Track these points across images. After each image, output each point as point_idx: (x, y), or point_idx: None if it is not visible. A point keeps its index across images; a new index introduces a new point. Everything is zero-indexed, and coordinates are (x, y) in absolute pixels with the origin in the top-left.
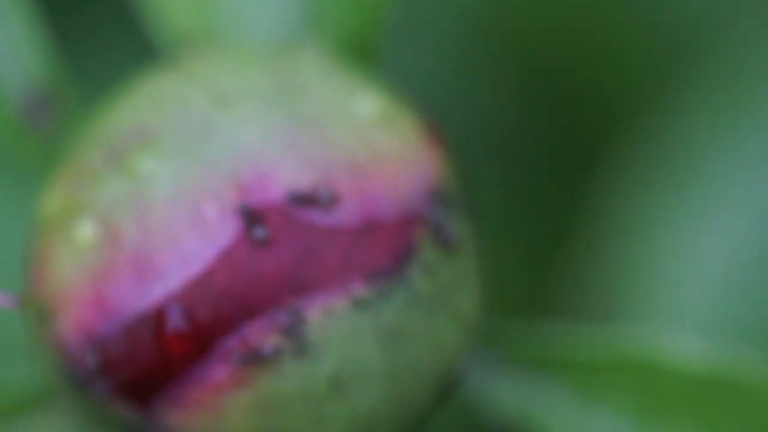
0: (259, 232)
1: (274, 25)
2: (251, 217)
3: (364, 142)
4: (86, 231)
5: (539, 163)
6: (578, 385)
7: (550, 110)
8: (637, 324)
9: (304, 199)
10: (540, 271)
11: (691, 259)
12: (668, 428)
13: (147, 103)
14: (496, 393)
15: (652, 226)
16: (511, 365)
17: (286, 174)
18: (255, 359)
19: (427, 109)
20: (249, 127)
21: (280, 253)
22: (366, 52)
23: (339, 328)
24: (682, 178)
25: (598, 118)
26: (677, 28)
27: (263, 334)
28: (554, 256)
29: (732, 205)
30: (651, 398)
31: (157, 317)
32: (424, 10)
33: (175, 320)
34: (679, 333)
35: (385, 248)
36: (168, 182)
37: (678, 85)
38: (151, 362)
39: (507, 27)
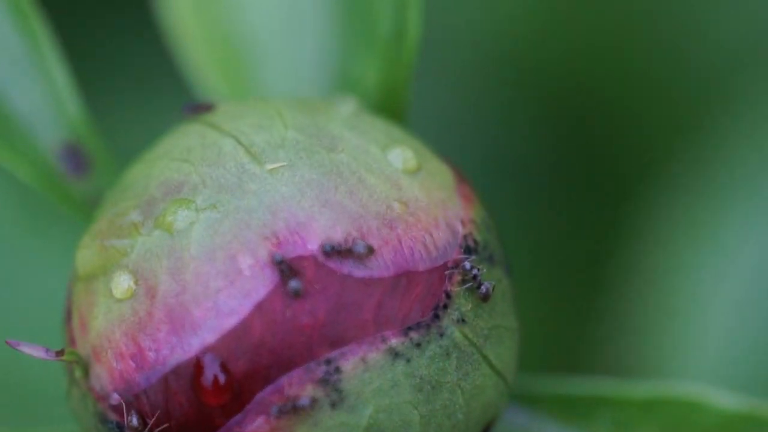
0: (294, 285)
1: (308, 87)
2: (286, 269)
3: (398, 193)
4: (123, 284)
5: (569, 208)
6: (612, 424)
7: (581, 155)
8: (665, 378)
9: (339, 251)
10: (570, 327)
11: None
12: None
13: (181, 157)
14: None
15: (679, 272)
16: (546, 410)
17: (320, 226)
18: (292, 410)
19: (457, 160)
20: (283, 180)
21: (316, 304)
22: (395, 105)
23: (375, 378)
24: (713, 220)
25: (629, 159)
26: (714, 65)
27: (300, 386)
28: (585, 306)
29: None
30: None
31: (194, 369)
32: (441, 52)
33: (212, 372)
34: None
35: (420, 299)
36: (203, 236)
37: (708, 125)
38: (188, 414)
39: (529, 60)
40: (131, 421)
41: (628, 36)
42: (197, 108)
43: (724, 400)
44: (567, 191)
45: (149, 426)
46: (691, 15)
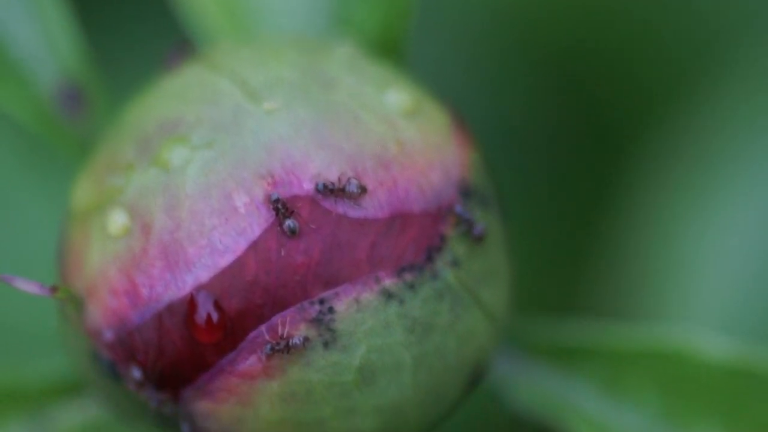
0: (290, 224)
1: (302, 23)
2: (282, 208)
3: (394, 134)
4: (118, 221)
5: (566, 161)
6: (604, 374)
7: (577, 106)
8: (663, 322)
9: (333, 191)
10: (566, 269)
11: (715, 259)
12: (693, 417)
13: (178, 96)
14: (522, 383)
15: (678, 223)
16: (538, 356)
17: (316, 166)
18: (284, 349)
19: (453, 104)
20: (279, 120)
21: (310, 244)
22: (393, 49)
23: (368, 319)
24: (709, 176)
25: (626, 114)
26: (708, 26)
27: (293, 325)
28: (581, 253)
29: (757, 206)
30: (676, 388)
31: (187, 306)
32: (441, 6)
33: (206, 310)
34: (705, 330)
35: (414, 240)
36: (198, 174)
37: (707, 86)
38: (181, 351)
39: (529, 16)
40: (123, 358)
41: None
42: (175, 56)
43: (715, 349)
44: (565, 143)
45: (141, 363)
46: None
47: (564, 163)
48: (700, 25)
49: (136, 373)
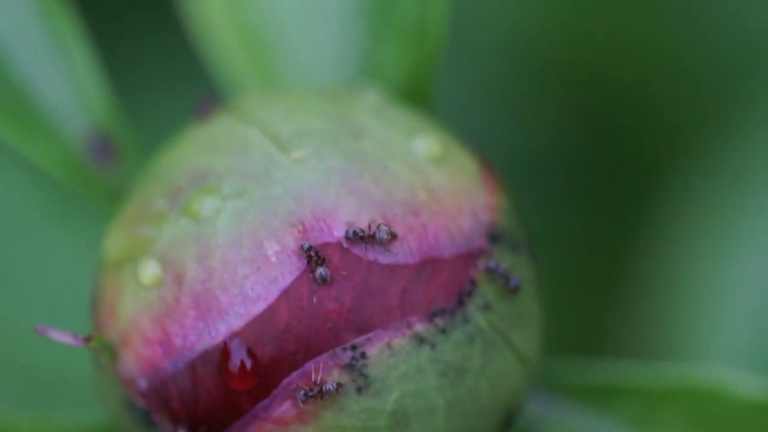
0: (321, 271)
1: (330, 72)
2: (313, 256)
3: (423, 181)
4: (150, 272)
5: (594, 198)
6: (635, 413)
7: (603, 141)
8: (690, 360)
9: (363, 238)
10: (594, 308)
11: (744, 296)
12: None
13: (207, 146)
14: (554, 423)
15: (706, 259)
16: (569, 396)
17: (345, 213)
18: (318, 395)
19: (480, 146)
20: (309, 168)
21: (342, 290)
22: (420, 95)
23: (400, 363)
24: (737, 210)
25: (653, 149)
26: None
27: (326, 371)
28: (609, 292)
29: None
30: (707, 426)
31: (221, 355)
32: (467, 43)
33: (239, 357)
34: (733, 368)
35: (444, 285)
36: (229, 223)
37: (733, 119)
38: (215, 399)
39: (552, 53)
40: (158, 406)
41: (653, 27)
42: (205, 106)
43: (748, 386)
44: (591, 180)
45: (176, 411)
46: (719, 5)
47: (591, 201)
48: (725, 53)
49: (171, 421)
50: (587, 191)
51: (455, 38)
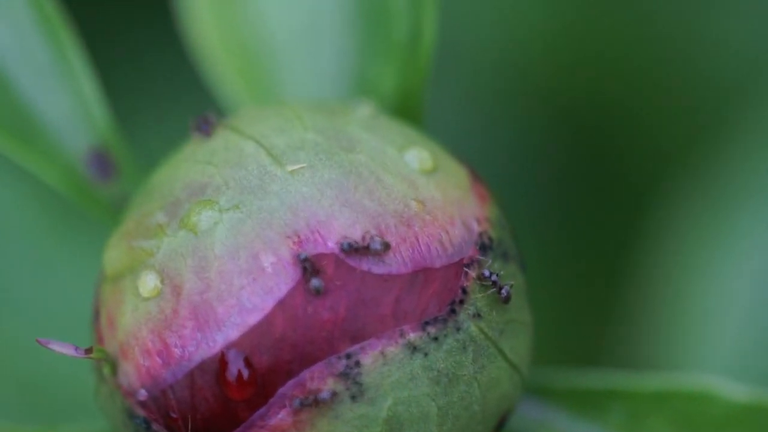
0: (316, 282)
1: (326, 89)
2: (308, 267)
3: (415, 192)
4: (149, 283)
5: (585, 212)
6: (624, 418)
7: (594, 158)
8: (679, 370)
9: (357, 249)
10: (583, 320)
11: (732, 308)
12: None
13: (205, 160)
14: (544, 428)
15: (694, 272)
16: (559, 401)
17: (340, 225)
18: (313, 403)
19: (471, 160)
20: (303, 181)
21: (336, 300)
22: (411, 110)
23: (394, 371)
24: (724, 225)
25: (643, 165)
26: (729, 71)
27: (321, 379)
28: (598, 305)
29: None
30: (696, 429)
31: (219, 364)
32: (457, 61)
33: (236, 367)
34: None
35: (436, 294)
36: (226, 235)
37: (722, 137)
38: (213, 408)
39: (544, 72)
40: (157, 416)
41: (641, 45)
42: (202, 123)
43: (733, 391)
44: (583, 192)
45: (175, 420)
46: (704, 24)
47: (583, 215)
48: (713, 67)
49: (170, 431)
50: (579, 203)
51: (445, 58)
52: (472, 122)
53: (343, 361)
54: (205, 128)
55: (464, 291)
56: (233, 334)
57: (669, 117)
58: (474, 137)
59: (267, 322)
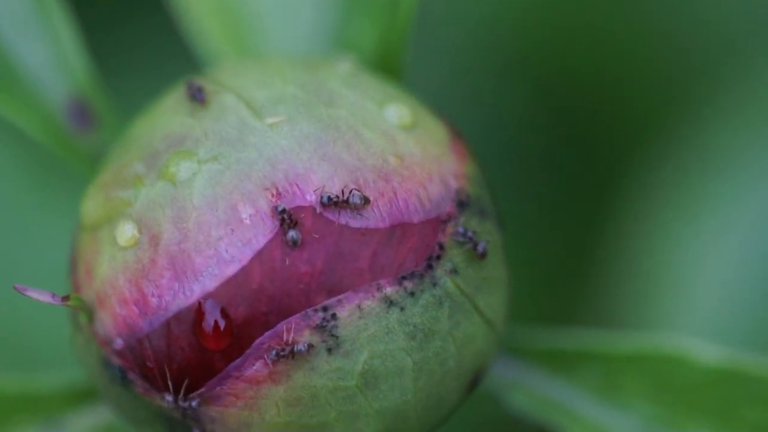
0: (293, 234)
1: (303, 44)
2: (285, 219)
3: (394, 147)
4: (127, 233)
5: (564, 174)
6: (599, 378)
7: (573, 122)
8: (655, 331)
9: (336, 202)
10: (561, 281)
11: (707, 271)
12: (686, 419)
13: (184, 111)
14: (519, 386)
15: (671, 236)
16: (534, 361)
17: (318, 178)
18: (289, 355)
19: (451, 119)
20: (283, 134)
21: (313, 253)
22: (392, 67)
23: (370, 325)
24: (700, 190)
25: (621, 129)
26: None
27: (297, 331)
28: (576, 266)
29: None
30: (669, 391)
31: (195, 314)
32: (438, 30)
33: (213, 317)
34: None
35: (414, 249)
36: (205, 186)
37: (700, 103)
38: (189, 358)
39: (527, 37)
40: (133, 365)
41: (620, 18)
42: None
43: (707, 354)
44: (563, 156)
45: (151, 369)
46: None
47: (561, 177)
48: (691, 46)
49: (146, 380)
50: (558, 168)
51: (428, 24)
52: (455, 86)
53: (320, 314)
54: (200, 97)
55: (441, 247)
56: (210, 284)
57: (647, 84)
58: (456, 100)
59: (244, 273)
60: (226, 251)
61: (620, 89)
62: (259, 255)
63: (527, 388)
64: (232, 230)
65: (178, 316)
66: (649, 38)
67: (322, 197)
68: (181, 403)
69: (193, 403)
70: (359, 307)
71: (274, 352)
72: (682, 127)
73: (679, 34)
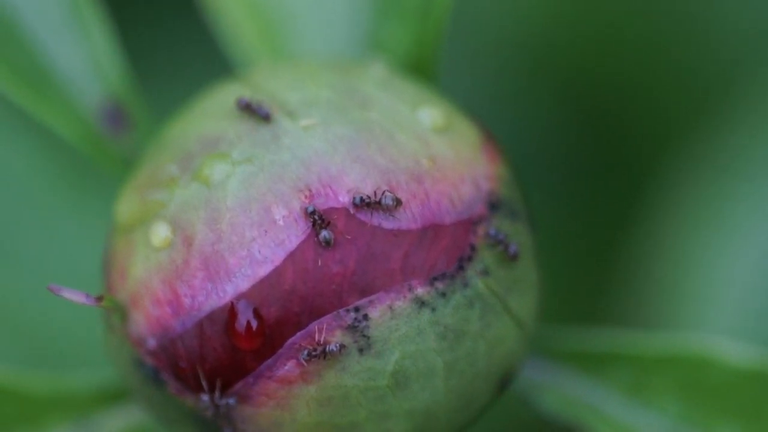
0: (326, 235)
1: (337, 46)
2: (318, 220)
3: (426, 149)
4: (161, 234)
5: (591, 177)
6: (628, 379)
7: (600, 124)
8: (682, 331)
9: (369, 204)
10: (590, 281)
11: (733, 271)
12: (714, 420)
13: (218, 114)
14: (549, 387)
15: (698, 237)
16: (564, 362)
17: (351, 180)
18: (321, 355)
19: (483, 121)
20: (316, 136)
21: (346, 254)
22: (425, 71)
23: (401, 326)
24: (728, 190)
25: (648, 131)
26: (730, 47)
27: (329, 331)
28: (604, 266)
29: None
30: (698, 392)
31: (228, 315)
32: (471, 35)
33: (246, 317)
34: (724, 338)
35: (445, 250)
36: (238, 188)
37: (728, 105)
38: (222, 358)
39: (553, 41)
40: (166, 365)
41: (649, 20)
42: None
43: (736, 354)
44: (591, 159)
45: (183, 369)
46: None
47: (590, 178)
48: (720, 48)
49: (178, 380)
50: (586, 171)
51: (461, 28)
52: (486, 89)
53: (352, 314)
54: (263, 112)
55: (473, 248)
56: (243, 285)
57: (676, 86)
58: (487, 103)
59: (277, 274)
60: (259, 252)
61: (649, 91)
62: (291, 256)
63: (556, 389)
64: (266, 231)
65: (211, 316)
66: (679, 39)
67: (354, 198)
68: (217, 401)
69: (230, 401)
70: (391, 307)
71: (305, 352)
72: (711, 129)
73: (709, 34)
